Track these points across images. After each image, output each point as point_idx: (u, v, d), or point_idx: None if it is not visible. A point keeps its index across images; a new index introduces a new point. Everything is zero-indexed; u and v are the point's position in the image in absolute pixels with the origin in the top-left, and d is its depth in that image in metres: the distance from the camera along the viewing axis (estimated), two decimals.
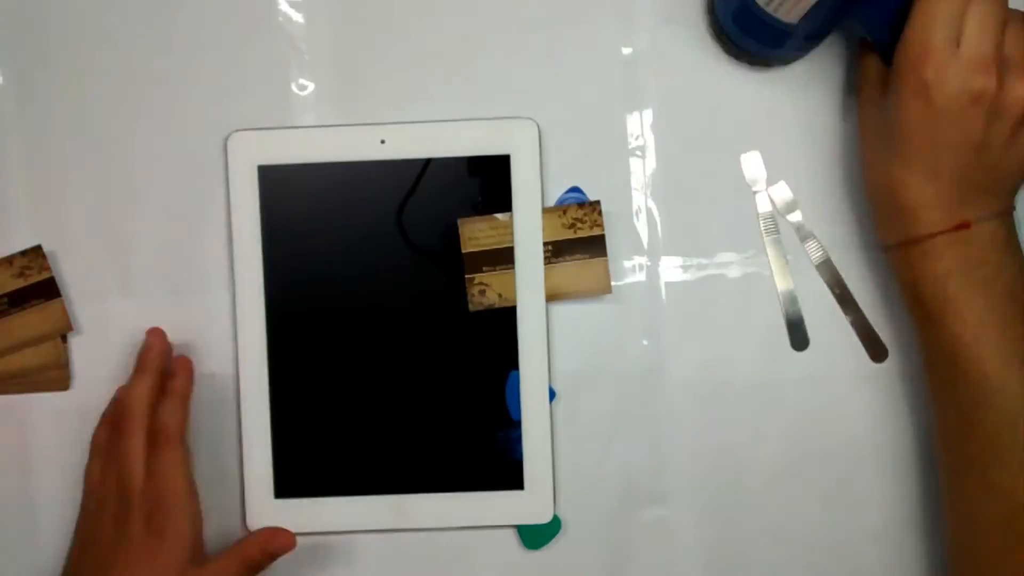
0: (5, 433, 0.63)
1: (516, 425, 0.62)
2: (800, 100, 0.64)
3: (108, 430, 0.60)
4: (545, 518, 0.62)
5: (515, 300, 0.62)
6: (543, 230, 0.62)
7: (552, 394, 0.62)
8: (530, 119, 0.62)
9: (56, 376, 0.62)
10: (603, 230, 0.62)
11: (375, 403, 0.63)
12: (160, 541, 0.55)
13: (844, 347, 0.64)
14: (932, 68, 0.51)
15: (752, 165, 0.64)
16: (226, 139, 0.62)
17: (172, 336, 0.63)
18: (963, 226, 0.54)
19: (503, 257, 0.62)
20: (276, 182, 0.62)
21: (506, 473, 0.62)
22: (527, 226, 0.62)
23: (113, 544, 0.57)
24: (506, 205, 0.62)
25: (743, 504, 0.64)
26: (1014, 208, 0.56)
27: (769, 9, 0.58)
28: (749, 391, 0.64)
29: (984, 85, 0.51)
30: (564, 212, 0.62)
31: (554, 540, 0.63)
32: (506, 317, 0.62)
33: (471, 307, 0.62)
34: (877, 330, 0.64)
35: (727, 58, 0.64)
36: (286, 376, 0.62)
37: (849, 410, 0.64)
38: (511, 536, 0.63)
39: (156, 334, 0.61)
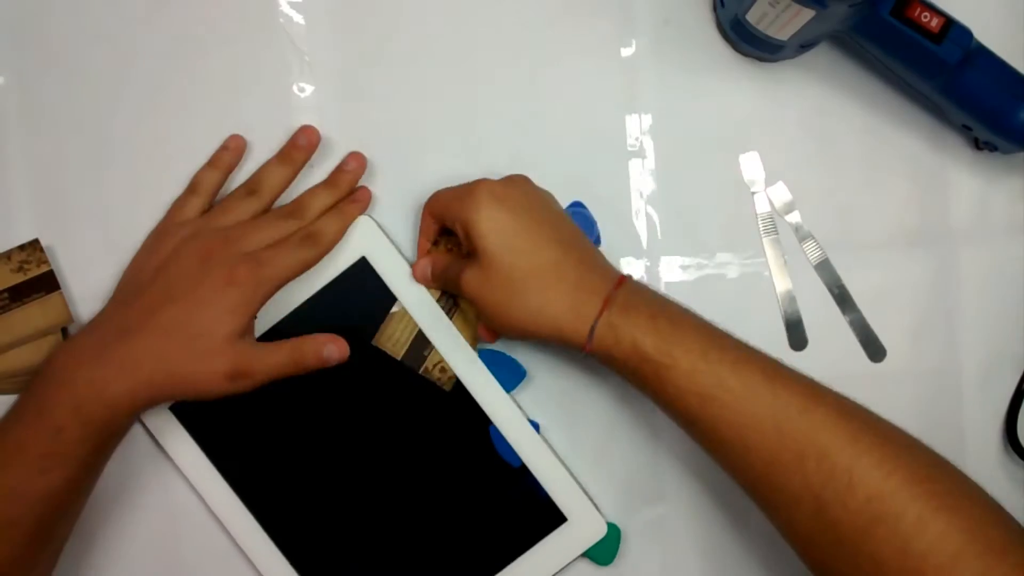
0: None
1: (522, 469, 0.62)
2: (798, 101, 0.64)
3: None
4: (601, 532, 0.62)
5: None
6: None
7: (535, 425, 0.62)
8: (364, 216, 0.62)
9: None
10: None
11: (395, 522, 0.63)
12: (237, 291, 0.56)
13: (842, 347, 0.64)
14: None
15: (751, 166, 0.64)
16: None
17: None
18: (621, 280, 0.55)
19: (424, 339, 0.62)
20: (195, 411, 0.62)
21: (544, 516, 0.62)
22: (421, 303, 0.62)
23: (192, 271, 0.57)
24: (390, 296, 0.62)
25: (742, 503, 0.63)
26: None
27: (760, 27, 0.59)
28: None
29: None
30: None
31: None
32: (453, 387, 0.62)
33: (448, 388, 0.62)
34: (875, 330, 0.64)
35: (726, 59, 0.64)
36: (289, 530, 0.63)
37: None
38: (585, 563, 0.63)
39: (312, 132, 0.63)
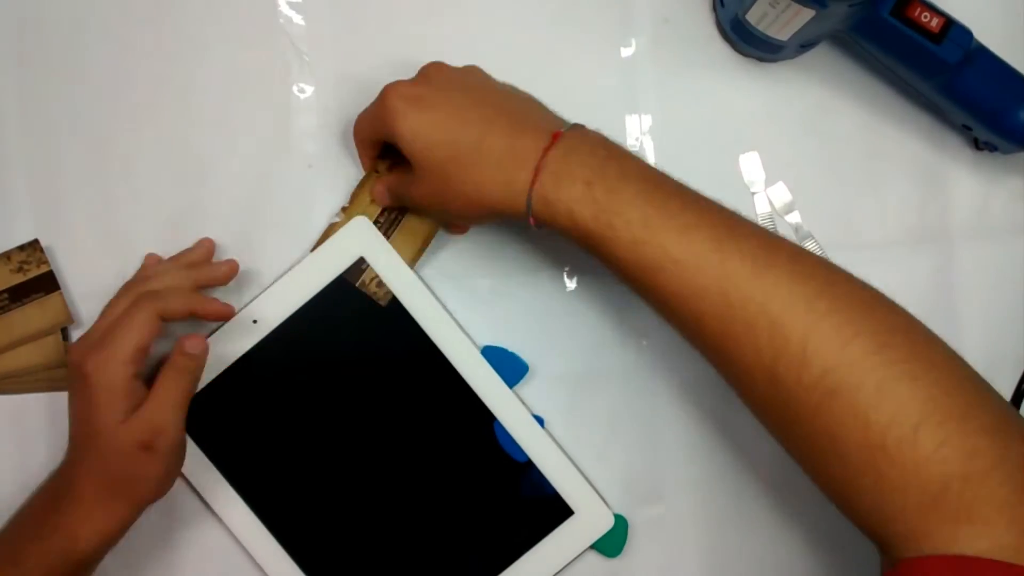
0: (5, 433, 0.63)
1: (527, 464, 0.62)
2: (798, 101, 0.64)
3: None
4: (608, 524, 0.62)
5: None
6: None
7: (539, 420, 0.62)
8: (361, 216, 0.62)
9: (57, 374, 0.61)
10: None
11: (403, 520, 0.63)
12: (91, 382, 0.54)
13: None
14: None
15: (751, 166, 0.64)
16: None
17: (171, 337, 0.63)
18: (556, 136, 0.51)
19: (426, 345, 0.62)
20: (196, 414, 0.60)
21: (551, 510, 0.62)
22: (422, 300, 0.62)
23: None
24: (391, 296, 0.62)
25: (741, 503, 0.64)
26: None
27: (760, 27, 0.59)
28: None
29: None
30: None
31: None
32: (457, 384, 0.62)
33: (384, 303, 0.61)
34: None
35: (726, 59, 0.64)
36: (293, 527, 0.63)
37: None
38: (593, 556, 0.63)
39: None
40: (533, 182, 0.50)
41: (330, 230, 0.62)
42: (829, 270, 0.48)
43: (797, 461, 0.47)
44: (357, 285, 0.62)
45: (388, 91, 0.54)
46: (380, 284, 0.62)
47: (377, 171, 0.62)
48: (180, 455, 0.57)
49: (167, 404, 0.55)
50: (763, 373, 0.46)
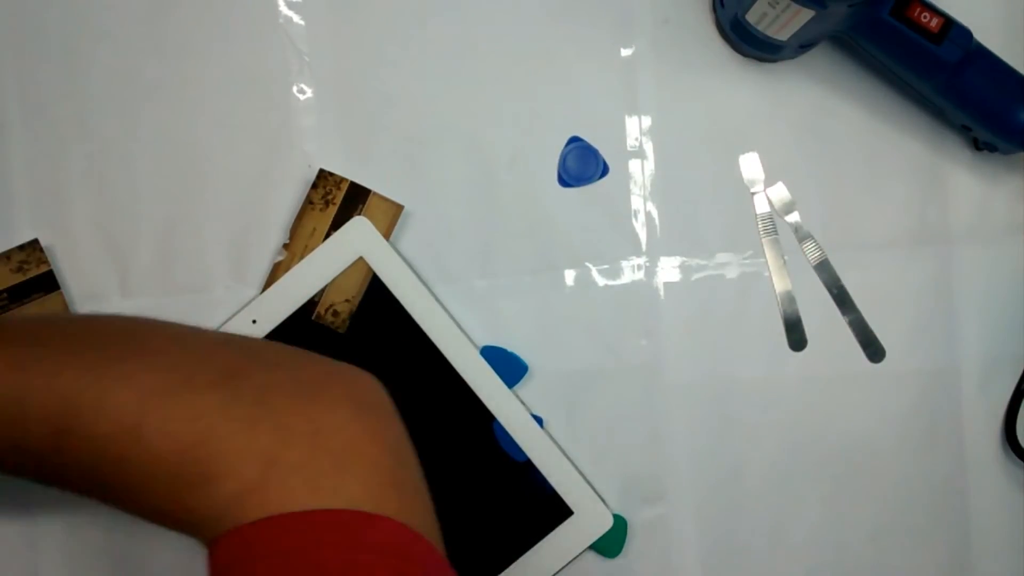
0: None
1: (527, 464, 0.62)
2: (798, 101, 0.64)
3: None
4: (608, 525, 0.62)
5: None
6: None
7: (539, 420, 0.62)
8: (360, 217, 0.62)
9: None
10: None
11: None
12: None
13: (842, 347, 0.64)
14: None
15: (750, 166, 0.64)
16: None
17: None
18: None
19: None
20: None
21: (550, 510, 0.62)
22: (422, 302, 0.62)
23: None
24: (389, 295, 0.62)
25: (741, 503, 0.64)
26: None
27: (759, 28, 0.59)
28: (747, 391, 0.64)
29: None
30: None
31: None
32: (456, 384, 0.62)
33: (342, 330, 0.61)
34: (875, 330, 0.64)
35: (726, 60, 0.64)
36: None
37: (846, 410, 0.64)
38: (592, 556, 0.63)
39: None
40: None
41: (276, 270, 0.62)
42: (38, 322, 0.46)
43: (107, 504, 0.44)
44: (313, 318, 0.62)
45: None
46: (336, 313, 0.62)
47: (312, 202, 0.62)
48: None
49: None
50: (4, 447, 0.42)
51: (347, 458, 0.41)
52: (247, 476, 0.39)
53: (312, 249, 0.62)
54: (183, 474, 0.40)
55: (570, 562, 0.62)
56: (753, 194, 0.64)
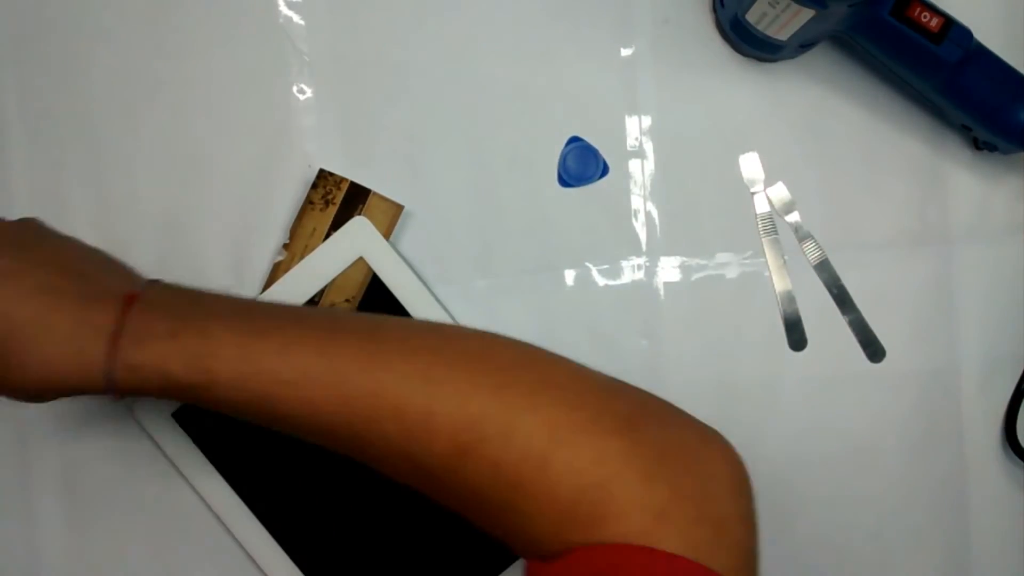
0: (5, 433, 0.63)
1: None
2: (798, 101, 0.64)
3: None
4: None
5: None
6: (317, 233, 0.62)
7: None
8: (360, 217, 0.62)
9: None
10: (349, 181, 0.62)
11: (399, 522, 0.63)
12: None
13: (842, 347, 0.64)
14: None
15: (750, 166, 0.64)
16: (131, 411, 0.62)
17: None
18: (132, 298, 0.46)
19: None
20: (196, 415, 0.61)
21: None
22: (421, 302, 0.62)
23: None
24: (390, 295, 0.62)
25: None
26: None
27: (759, 27, 0.59)
28: (747, 391, 0.64)
29: None
30: (319, 197, 0.62)
31: None
32: None
33: None
34: (875, 330, 0.64)
35: (726, 59, 0.64)
36: (292, 529, 0.62)
37: (846, 410, 0.64)
38: None
39: None
40: (113, 352, 0.45)
41: (276, 270, 0.62)
42: (439, 335, 0.48)
43: (452, 511, 0.47)
44: None
45: None
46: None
47: (312, 202, 0.62)
48: None
49: None
50: (399, 456, 0.45)
51: (723, 531, 0.43)
52: (635, 526, 0.41)
53: (312, 249, 0.62)
54: (575, 511, 0.42)
55: None
56: (753, 194, 0.64)
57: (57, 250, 0.49)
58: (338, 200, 0.62)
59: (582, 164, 0.64)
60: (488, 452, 0.43)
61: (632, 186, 0.64)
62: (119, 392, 0.46)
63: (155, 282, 0.49)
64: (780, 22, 0.58)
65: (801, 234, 0.64)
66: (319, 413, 0.45)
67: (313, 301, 0.62)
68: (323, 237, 0.62)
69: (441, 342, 0.47)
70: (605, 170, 0.64)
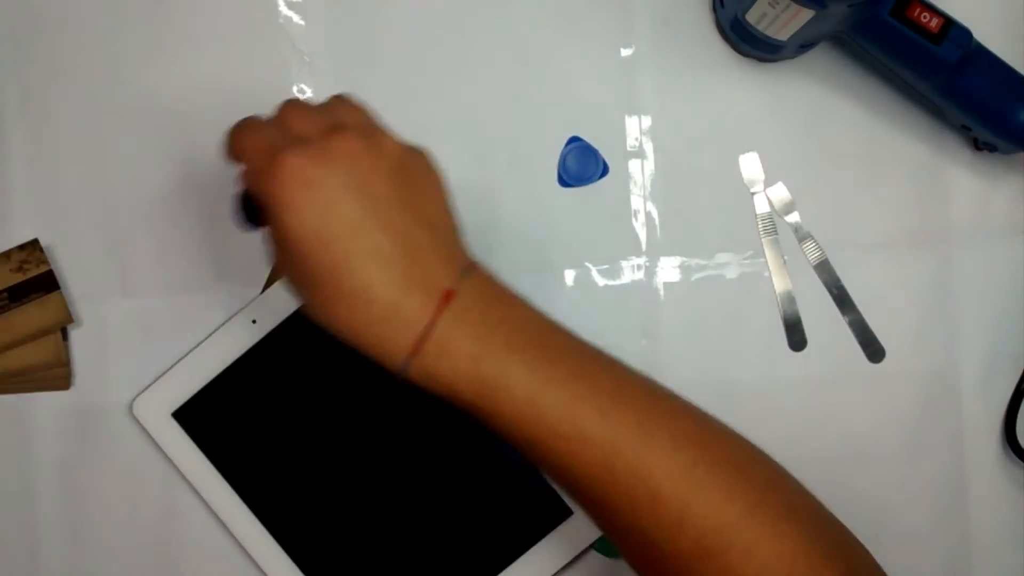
0: (5, 433, 0.63)
1: (526, 464, 0.62)
2: (798, 101, 0.64)
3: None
4: None
5: None
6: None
7: None
8: None
9: (57, 374, 0.62)
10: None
11: (400, 520, 0.63)
12: None
13: (841, 347, 0.64)
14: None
15: (750, 166, 0.64)
16: (131, 411, 0.62)
17: (171, 337, 0.63)
18: (448, 297, 0.46)
19: None
20: (195, 415, 0.62)
21: (550, 508, 0.62)
22: None
23: None
24: None
25: None
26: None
27: (759, 28, 0.59)
28: (747, 391, 0.64)
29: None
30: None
31: None
32: None
33: None
34: (874, 330, 0.64)
35: (726, 60, 0.64)
36: (291, 527, 0.63)
37: (846, 410, 0.64)
38: (593, 555, 0.63)
39: None
40: (415, 352, 0.45)
41: (276, 270, 0.62)
42: (708, 428, 0.49)
43: None
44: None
45: (287, 157, 0.44)
46: None
47: None
48: None
49: None
50: (640, 535, 0.46)
51: None
52: None
53: None
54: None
55: (571, 562, 0.62)
56: (753, 194, 0.64)
57: (398, 209, 0.46)
58: None
59: (582, 164, 0.64)
60: (727, 562, 0.45)
61: (632, 186, 0.64)
62: (404, 380, 0.47)
63: (471, 269, 0.48)
64: (780, 22, 0.58)
65: (801, 234, 0.64)
66: (580, 469, 0.46)
67: None
68: None
69: (709, 438, 0.48)
70: (605, 170, 0.64)
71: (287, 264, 0.46)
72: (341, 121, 0.47)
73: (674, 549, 0.46)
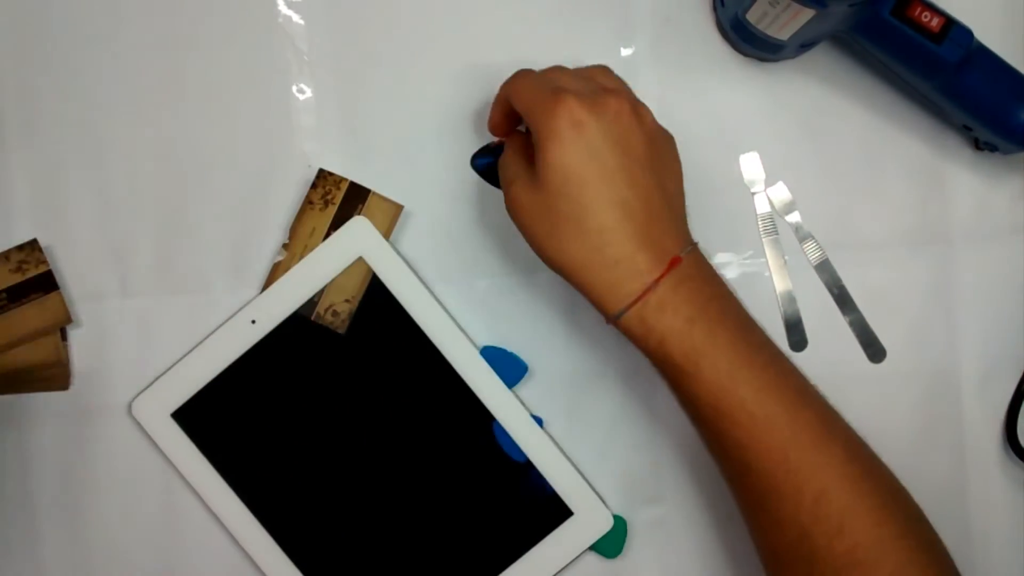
0: (5, 433, 0.63)
1: (527, 465, 0.62)
2: (798, 101, 0.64)
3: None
4: (608, 526, 0.62)
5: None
6: None
7: (539, 420, 0.62)
8: (360, 217, 0.62)
9: (56, 374, 0.62)
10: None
11: (400, 521, 0.63)
12: None
13: (842, 348, 0.64)
14: (566, 112, 0.50)
15: (751, 166, 0.64)
16: (130, 411, 0.62)
17: (170, 337, 0.63)
18: (675, 262, 0.50)
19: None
20: (195, 415, 0.62)
21: (550, 511, 0.62)
22: (420, 300, 0.62)
23: None
24: (389, 295, 0.62)
25: None
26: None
27: (760, 27, 0.59)
28: None
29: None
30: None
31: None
32: (456, 384, 0.62)
33: (342, 331, 0.62)
34: (875, 331, 0.64)
35: (726, 59, 0.64)
36: (291, 527, 0.63)
37: (847, 410, 0.63)
38: (592, 556, 0.63)
39: None
40: (637, 300, 0.50)
41: (276, 270, 0.62)
42: (870, 451, 0.53)
43: None
44: (312, 318, 0.62)
45: (565, 98, 0.50)
46: (335, 314, 0.61)
47: (312, 202, 0.62)
48: None
49: None
50: (797, 529, 0.49)
51: None
52: None
53: (312, 249, 0.62)
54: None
55: (570, 563, 0.62)
56: (753, 194, 0.64)
57: (648, 169, 0.51)
58: (338, 200, 0.62)
59: None
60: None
61: None
62: (613, 324, 0.51)
63: (693, 248, 0.52)
64: (780, 22, 0.58)
65: (801, 234, 0.64)
66: (758, 454, 0.50)
67: (313, 301, 0.62)
68: (323, 237, 0.62)
69: (872, 459, 0.52)
70: None
71: (535, 198, 0.51)
72: (607, 86, 0.53)
73: (828, 551, 0.49)
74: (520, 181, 0.52)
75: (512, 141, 0.56)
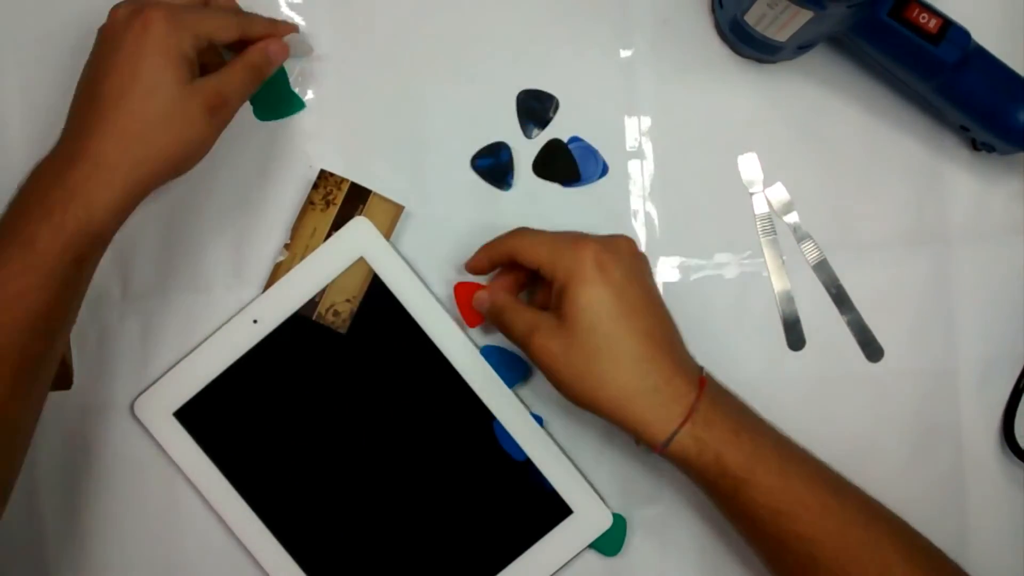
0: None
1: (526, 463, 0.62)
2: (797, 102, 0.64)
3: None
4: (607, 524, 0.62)
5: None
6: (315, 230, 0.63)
7: (539, 419, 0.63)
8: (360, 217, 0.62)
9: (59, 374, 0.61)
10: (349, 181, 0.63)
11: (401, 519, 0.63)
12: (155, 32, 0.53)
13: (840, 347, 0.64)
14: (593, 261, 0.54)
15: (749, 166, 0.64)
16: (132, 410, 0.63)
17: (172, 337, 0.63)
18: (704, 381, 0.55)
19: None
20: (197, 414, 0.62)
21: (550, 509, 0.62)
22: (421, 300, 0.62)
23: (113, 46, 0.54)
24: (389, 295, 0.62)
25: None
26: None
27: (758, 28, 0.59)
28: (746, 390, 0.63)
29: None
30: (319, 197, 0.63)
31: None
32: (456, 384, 0.62)
33: (343, 331, 0.62)
34: (873, 330, 0.64)
35: (725, 61, 0.64)
36: (292, 525, 0.63)
37: (845, 410, 0.64)
38: (591, 555, 0.64)
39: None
40: (684, 422, 0.53)
41: (277, 270, 0.62)
42: (901, 518, 0.56)
43: None
44: (314, 318, 0.62)
45: (587, 244, 0.54)
46: (336, 314, 0.62)
47: (313, 202, 0.62)
48: (216, 136, 0.56)
49: (236, 82, 0.56)
50: None
51: None
52: None
53: (313, 249, 0.62)
54: None
55: (570, 561, 0.62)
56: (752, 194, 0.65)
57: (658, 301, 0.56)
58: (339, 200, 0.63)
59: (582, 164, 0.64)
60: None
61: (631, 186, 0.64)
62: (666, 453, 0.53)
63: (708, 377, 0.56)
64: (779, 23, 0.58)
65: (800, 234, 0.64)
66: (817, 545, 0.53)
67: (314, 301, 0.62)
68: (324, 237, 0.62)
69: (906, 542, 0.55)
70: (605, 170, 0.64)
71: (564, 342, 0.53)
72: (613, 235, 0.57)
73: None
74: (542, 330, 0.54)
75: (503, 298, 0.58)
